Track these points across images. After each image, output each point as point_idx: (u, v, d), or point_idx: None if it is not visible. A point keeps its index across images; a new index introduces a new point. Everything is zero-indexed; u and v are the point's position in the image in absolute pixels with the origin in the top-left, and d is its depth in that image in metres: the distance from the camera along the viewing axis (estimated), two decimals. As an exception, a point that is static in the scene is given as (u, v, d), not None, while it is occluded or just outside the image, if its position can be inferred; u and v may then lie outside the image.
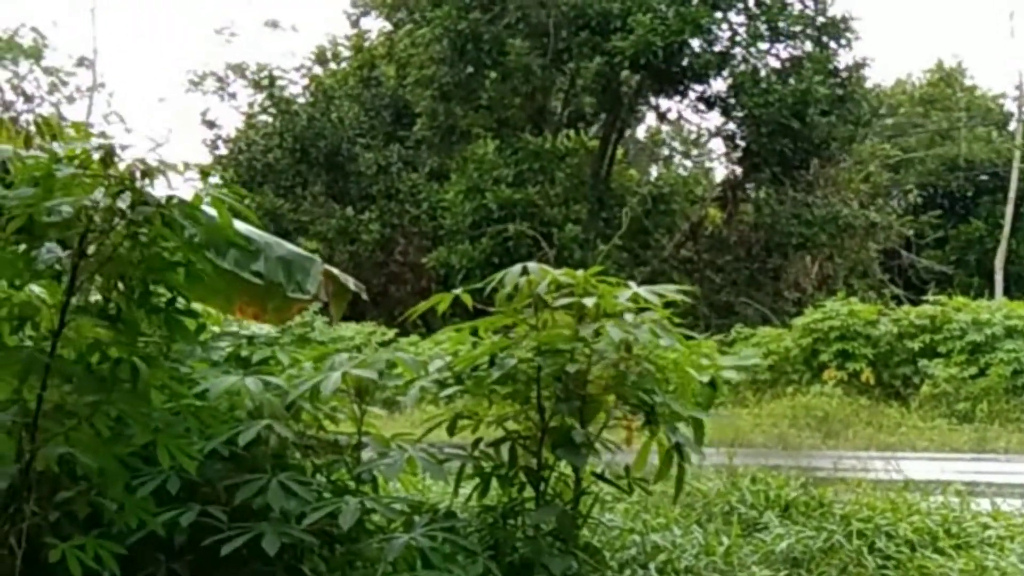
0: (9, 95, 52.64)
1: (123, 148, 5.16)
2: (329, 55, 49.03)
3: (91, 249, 5.13)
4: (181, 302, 5.65)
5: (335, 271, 6.82)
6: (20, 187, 5.04)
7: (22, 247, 5.18)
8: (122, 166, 5.12)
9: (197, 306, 6.17)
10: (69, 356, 5.33)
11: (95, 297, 5.35)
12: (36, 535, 5.39)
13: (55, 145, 5.44)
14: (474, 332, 6.54)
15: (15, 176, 5.20)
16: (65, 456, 5.29)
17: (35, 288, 5.56)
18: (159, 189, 5.16)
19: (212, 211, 5.27)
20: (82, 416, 5.24)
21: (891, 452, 15.65)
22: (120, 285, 5.36)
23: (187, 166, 5.24)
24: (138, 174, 5.06)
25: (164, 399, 5.69)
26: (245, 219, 5.81)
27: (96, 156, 5.12)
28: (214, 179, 5.55)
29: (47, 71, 53.81)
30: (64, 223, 4.99)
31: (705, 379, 6.49)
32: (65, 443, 5.26)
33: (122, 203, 5.05)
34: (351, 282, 6.89)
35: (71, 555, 5.18)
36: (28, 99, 53.23)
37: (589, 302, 6.09)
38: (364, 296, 7.01)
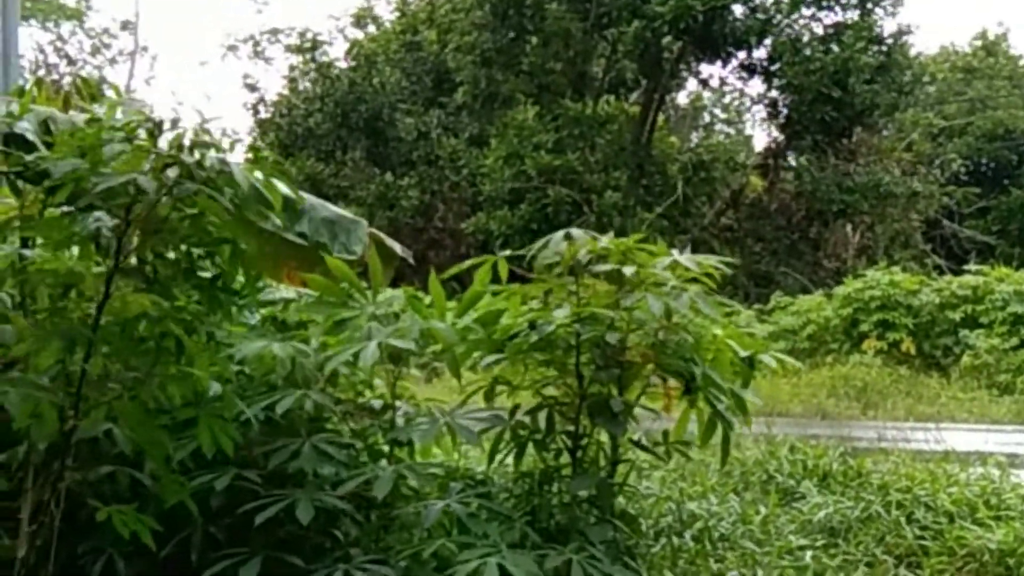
0: (52, 57, 53.00)
1: (174, 122, 5.15)
2: (368, 19, 49.00)
3: (138, 219, 5.12)
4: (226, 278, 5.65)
5: (382, 236, 6.78)
6: (66, 157, 5.03)
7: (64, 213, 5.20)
8: (170, 135, 5.11)
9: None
10: (113, 325, 5.30)
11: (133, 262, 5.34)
12: (76, 494, 5.44)
13: (96, 107, 5.44)
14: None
15: (59, 144, 5.18)
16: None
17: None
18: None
19: (259, 175, 5.26)
20: (125, 387, 5.26)
21: (931, 423, 15.55)
22: (167, 256, 5.36)
23: (232, 144, 5.21)
24: (186, 147, 5.05)
25: (207, 370, 5.70)
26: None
27: (143, 129, 5.11)
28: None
29: (89, 34, 54.14)
30: (110, 193, 4.98)
31: (744, 353, 6.44)
32: (108, 412, 5.28)
33: (170, 174, 5.03)
34: (398, 247, 6.85)
35: (117, 519, 5.22)
36: (71, 61, 53.58)
37: (629, 271, 6.06)
38: (411, 261, 6.98)
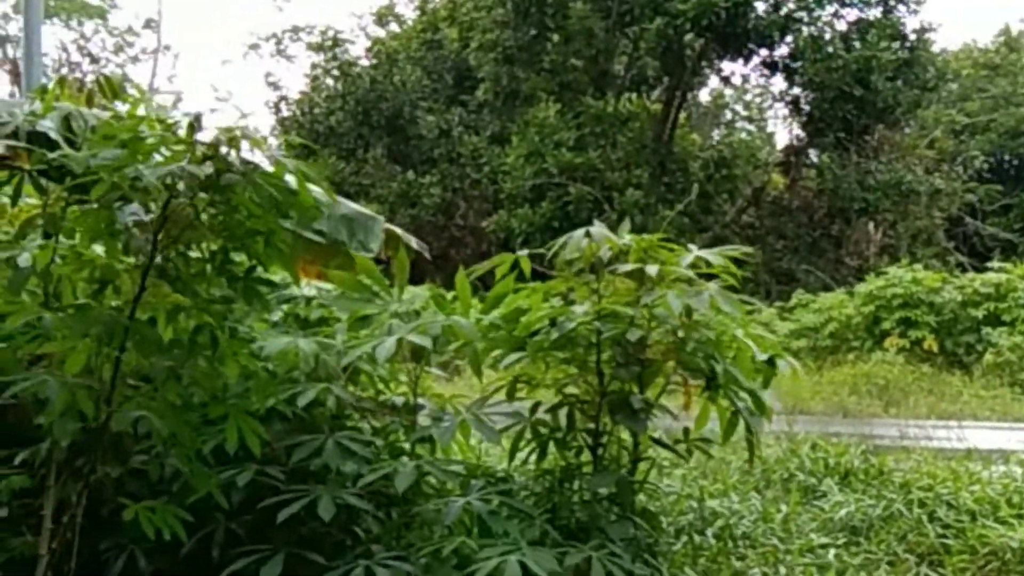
0: (75, 56, 53.17)
1: (211, 112, 5.17)
2: (390, 17, 49.06)
3: (175, 212, 5.13)
4: (259, 271, 5.65)
5: (398, 230, 6.78)
6: (105, 148, 5.03)
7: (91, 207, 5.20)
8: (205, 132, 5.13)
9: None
10: (145, 320, 5.31)
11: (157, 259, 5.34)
12: (97, 490, 5.46)
13: (117, 105, 5.45)
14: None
15: (99, 136, 5.17)
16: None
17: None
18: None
19: (288, 177, 5.26)
20: (158, 381, 5.28)
21: (953, 421, 15.50)
22: (199, 252, 5.37)
23: (266, 138, 5.23)
24: (223, 142, 5.06)
25: (238, 367, 5.71)
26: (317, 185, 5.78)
27: (183, 123, 5.12)
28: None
29: (112, 32, 54.31)
30: (148, 188, 4.99)
31: (763, 356, 6.43)
32: (139, 407, 5.29)
33: (205, 170, 5.04)
34: (413, 241, 6.86)
35: (143, 516, 5.24)
36: (94, 60, 53.75)
37: (652, 271, 6.04)
38: (427, 255, 6.98)
